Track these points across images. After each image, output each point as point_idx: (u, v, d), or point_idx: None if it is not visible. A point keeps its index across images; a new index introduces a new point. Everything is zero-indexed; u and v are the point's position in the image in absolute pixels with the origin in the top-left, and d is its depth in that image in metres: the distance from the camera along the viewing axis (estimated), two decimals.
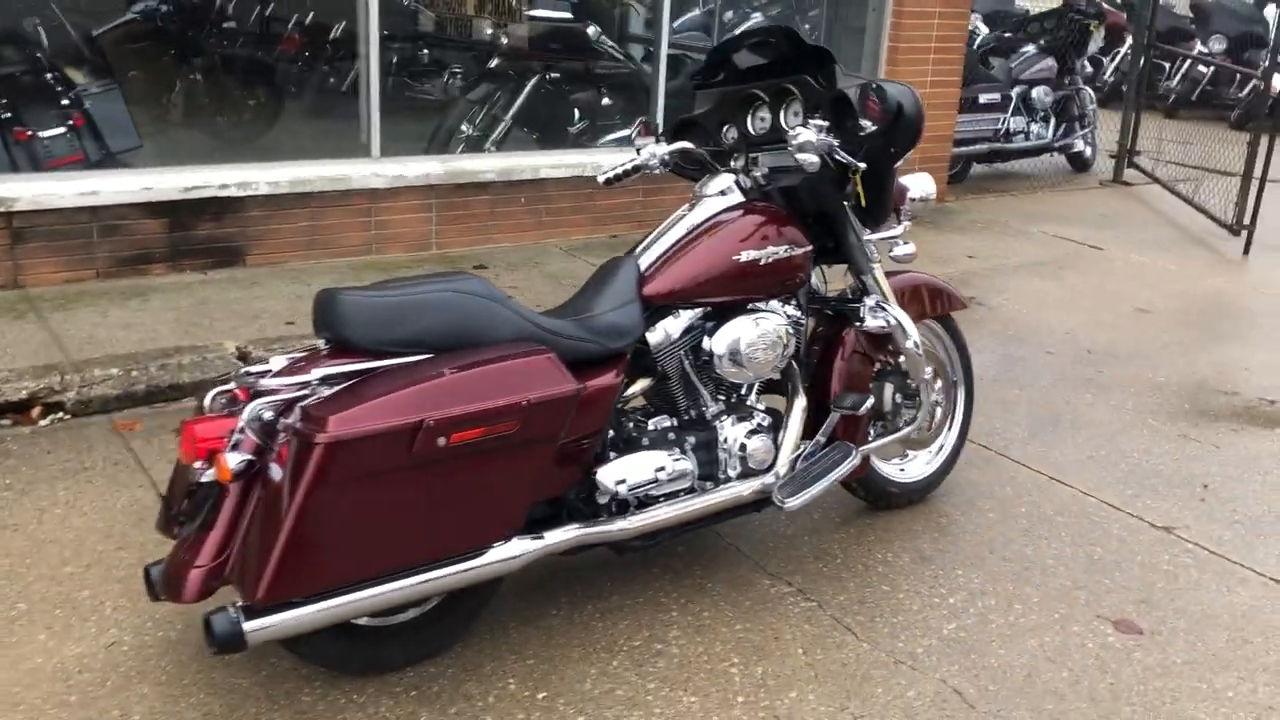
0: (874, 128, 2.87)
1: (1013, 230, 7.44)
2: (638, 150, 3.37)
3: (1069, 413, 4.44)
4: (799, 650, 2.82)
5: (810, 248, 3.06)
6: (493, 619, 2.85)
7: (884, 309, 3.17)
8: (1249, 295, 6.30)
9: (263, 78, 6.32)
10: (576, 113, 6.98)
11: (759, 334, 2.95)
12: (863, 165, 2.90)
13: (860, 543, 3.36)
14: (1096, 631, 2.97)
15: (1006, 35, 9.41)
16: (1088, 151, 9.55)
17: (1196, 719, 2.65)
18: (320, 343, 2.50)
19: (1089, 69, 9.35)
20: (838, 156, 2.89)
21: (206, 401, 2.47)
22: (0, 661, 2.60)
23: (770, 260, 2.96)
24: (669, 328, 2.91)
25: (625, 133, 7.15)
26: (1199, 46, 13.38)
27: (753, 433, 2.98)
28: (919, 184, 3.28)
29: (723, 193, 3.06)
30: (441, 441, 2.28)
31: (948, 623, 2.98)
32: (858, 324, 3.17)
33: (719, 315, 2.98)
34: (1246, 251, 7.09)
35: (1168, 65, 13.18)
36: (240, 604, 2.27)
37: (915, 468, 3.58)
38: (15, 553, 3.05)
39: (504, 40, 6.76)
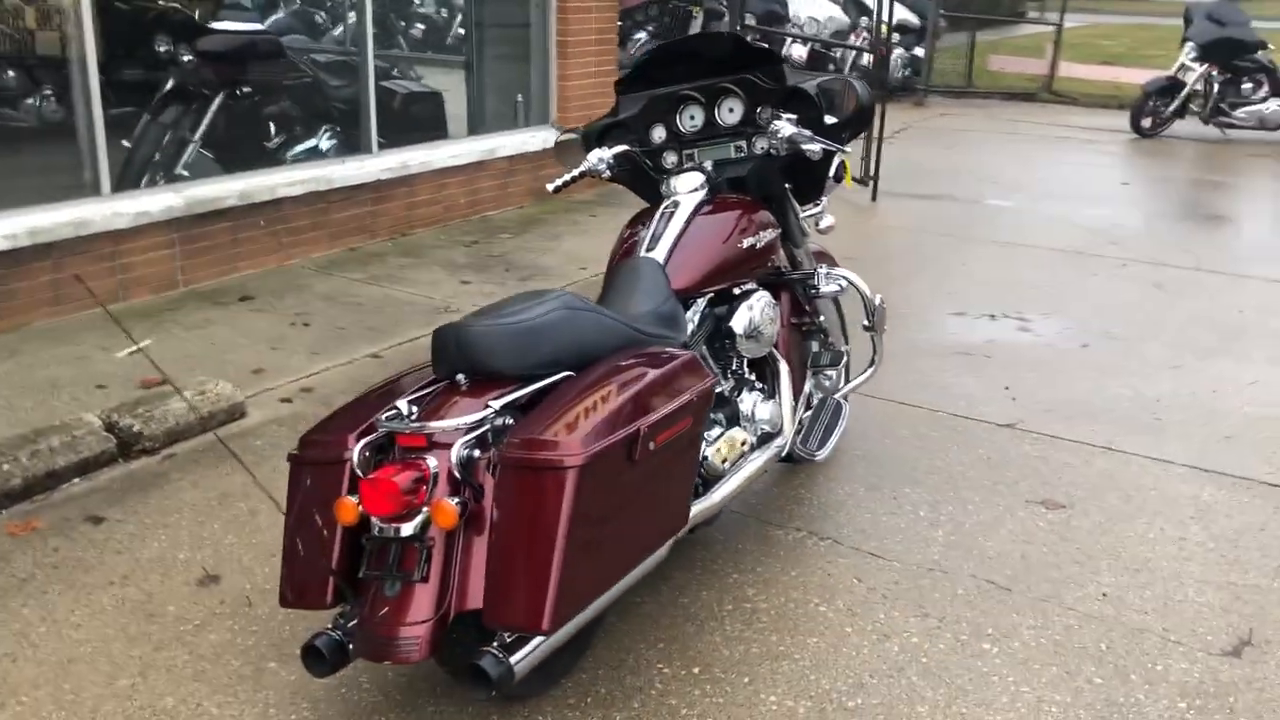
0: (837, 119, 3.27)
1: None
2: (556, 137, 3.55)
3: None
4: (855, 580, 3.21)
5: (780, 229, 3.41)
6: None
7: (832, 274, 3.60)
8: (898, 233, 7.46)
9: None
10: (272, 127, 6.66)
11: (761, 310, 3.26)
12: (849, 150, 3.30)
13: (816, 483, 3.78)
14: (1036, 513, 3.63)
15: (620, 23, 10.11)
16: None
17: (1148, 557, 3.38)
18: (460, 378, 2.46)
19: None
20: (821, 143, 3.25)
21: (354, 457, 2.37)
22: None
23: (763, 244, 3.28)
24: (692, 316, 3.14)
25: (313, 143, 6.94)
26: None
27: (763, 401, 3.30)
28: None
29: (696, 189, 3.31)
30: (652, 446, 2.40)
31: (934, 531, 3.50)
32: (813, 291, 3.57)
33: (721, 301, 3.25)
34: (874, 198, 8.34)
35: None
36: (497, 643, 2.25)
37: None
38: (42, 682, 2.65)
39: (187, 56, 6.29)
